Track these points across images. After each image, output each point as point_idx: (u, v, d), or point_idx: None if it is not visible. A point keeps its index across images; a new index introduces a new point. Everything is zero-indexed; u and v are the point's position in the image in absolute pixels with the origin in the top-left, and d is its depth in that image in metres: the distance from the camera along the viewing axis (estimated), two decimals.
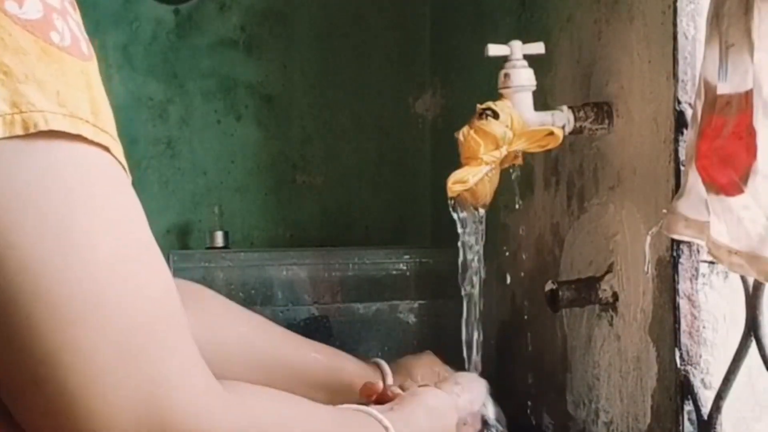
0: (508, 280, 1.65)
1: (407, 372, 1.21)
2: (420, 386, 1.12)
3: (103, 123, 0.61)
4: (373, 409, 0.91)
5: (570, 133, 1.26)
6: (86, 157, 0.60)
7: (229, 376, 0.72)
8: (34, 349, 0.57)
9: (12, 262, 0.56)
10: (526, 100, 1.23)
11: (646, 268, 1.18)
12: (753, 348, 1.05)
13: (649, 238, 1.14)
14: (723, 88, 0.94)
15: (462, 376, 1.17)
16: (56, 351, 0.58)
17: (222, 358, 0.91)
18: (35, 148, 0.57)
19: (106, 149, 0.61)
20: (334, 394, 1.11)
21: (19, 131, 0.57)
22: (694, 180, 1.00)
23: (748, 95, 0.91)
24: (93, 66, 0.62)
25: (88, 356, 0.58)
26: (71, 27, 0.61)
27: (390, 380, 1.18)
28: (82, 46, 0.62)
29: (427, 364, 1.24)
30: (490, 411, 1.24)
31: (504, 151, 1.20)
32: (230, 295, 1.65)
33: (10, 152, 0.57)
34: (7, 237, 0.56)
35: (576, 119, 1.26)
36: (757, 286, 1.04)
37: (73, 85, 0.59)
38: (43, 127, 0.57)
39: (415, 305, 1.74)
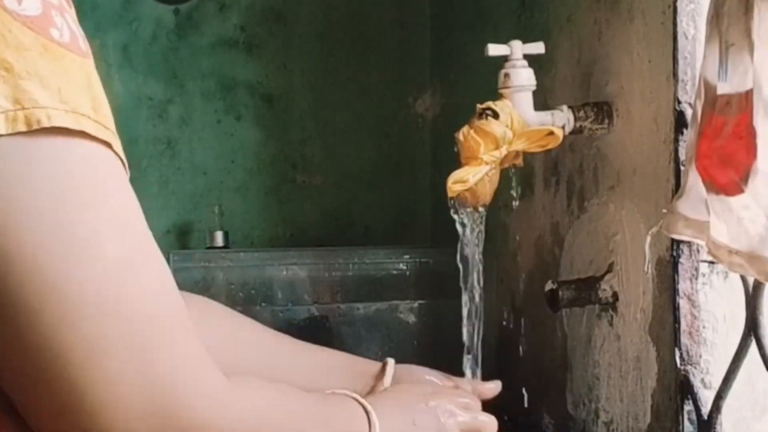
0: (508, 280, 1.65)
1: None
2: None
3: (104, 119, 0.61)
4: (355, 394, 0.92)
5: (570, 133, 1.26)
6: (89, 153, 0.60)
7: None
8: (44, 348, 0.58)
9: (20, 260, 0.57)
10: (526, 99, 1.23)
11: (646, 268, 1.18)
12: (753, 348, 1.05)
13: (649, 238, 1.14)
14: (723, 88, 0.94)
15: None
16: (66, 349, 0.58)
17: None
18: (38, 145, 0.57)
19: (108, 145, 0.61)
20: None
21: (22, 128, 0.57)
22: (694, 180, 1.00)
23: (748, 95, 0.91)
24: (91, 62, 0.62)
25: (96, 352, 0.59)
26: (69, 23, 0.61)
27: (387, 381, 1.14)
28: (80, 43, 0.62)
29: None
30: None
31: (504, 151, 1.20)
32: (230, 295, 1.66)
33: (13, 149, 0.57)
34: (14, 235, 0.56)
35: (576, 119, 1.26)
36: (757, 286, 1.04)
37: (74, 82, 0.59)
38: (46, 123, 0.57)
39: (415, 305, 1.74)
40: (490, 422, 1.02)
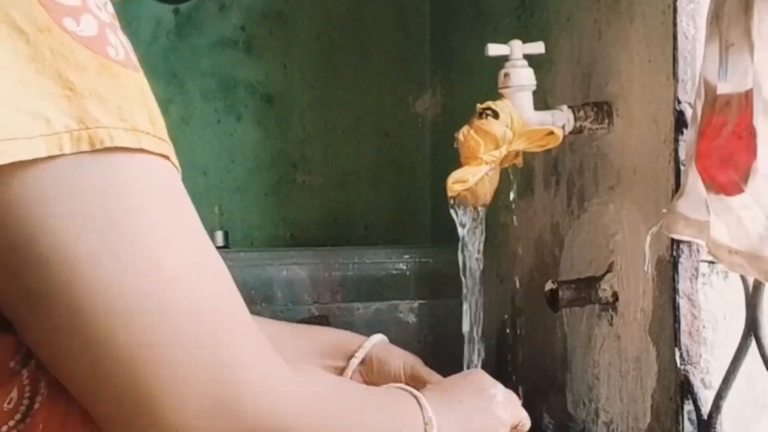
0: (508, 280, 1.65)
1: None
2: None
3: (160, 132, 0.63)
4: (410, 387, 0.93)
5: (570, 133, 1.26)
6: (149, 169, 0.62)
7: None
8: (107, 353, 0.60)
9: (83, 275, 0.59)
10: (526, 99, 1.23)
11: (646, 268, 1.18)
12: (753, 348, 1.05)
13: (649, 238, 1.14)
14: (723, 88, 0.94)
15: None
16: (129, 354, 0.60)
17: None
18: (101, 164, 0.59)
19: (166, 158, 0.63)
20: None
21: (86, 147, 0.58)
22: (694, 180, 1.00)
23: (748, 95, 0.91)
24: (142, 76, 0.64)
25: (159, 356, 0.61)
26: (122, 40, 0.63)
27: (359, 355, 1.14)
28: (132, 58, 0.63)
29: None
30: None
31: (504, 150, 1.20)
32: None
33: (77, 168, 0.58)
34: (78, 251, 0.58)
35: (576, 119, 1.26)
36: (757, 286, 1.04)
37: (131, 98, 0.61)
38: (108, 143, 0.59)
39: (415, 305, 1.74)
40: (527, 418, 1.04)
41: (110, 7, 0.63)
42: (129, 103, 0.61)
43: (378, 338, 1.15)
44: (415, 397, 0.90)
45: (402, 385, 0.94)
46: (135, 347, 0.60)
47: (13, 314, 0.61)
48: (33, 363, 0.63)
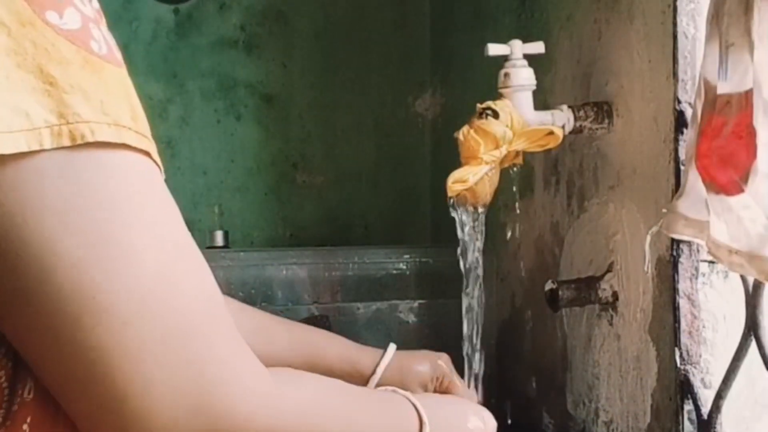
0: (508, 280, 1.65)
1: (405, 366, 1.18)
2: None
3: (142, 128, 0.62)
4: (404, 392, 0.93)
5: (570, 133, 1.26)
6: (130, 165, 0.61)
7: None
8: (84, 353, 0.59)
9: (60, 271, 0.58)
10: (526, 99, 1.23)
11: (646, 268, 1.18)
12: (753, 348, 1.05)
13: (649, 238, 1.14)
14: (723, 88, 0.94)
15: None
16: (106, 353, 0.59)
17: None
18: (81, 158, 0.58)
19: (147, 153, 0.62)
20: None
21: (66, 142, 0.57)
22: (694, 179, 1.00)
23: (748, 95, 0.91)
24: (125, 71, 0.63)
25: (136, 355, 0.60)
26: (105, 35, 0.62)
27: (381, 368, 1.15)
28: (116, 53, 0.63)
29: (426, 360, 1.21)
30: None
31: (504, 150, 1.20)
32: (230, 295, 1.65)
33: (57, 163, 0.57)
34: (54, 247, 0.57)
35: (576, 119, 1.26)
36: (757, 285, 1.04)
37: (114, 93, 0.60)
38: (89, 138, 0.58)
39: (415, 305, 1.74)
40: None
41: (95, 3, 0.63)
42: (111, 98, 0.60)
43: (388, 359, 1.14)
44: (409, 400, 0.90)
45: (395, 388, 0.94)
46: (109, 346, 0.59)
47: None
48: (10, 365, 0.62)
